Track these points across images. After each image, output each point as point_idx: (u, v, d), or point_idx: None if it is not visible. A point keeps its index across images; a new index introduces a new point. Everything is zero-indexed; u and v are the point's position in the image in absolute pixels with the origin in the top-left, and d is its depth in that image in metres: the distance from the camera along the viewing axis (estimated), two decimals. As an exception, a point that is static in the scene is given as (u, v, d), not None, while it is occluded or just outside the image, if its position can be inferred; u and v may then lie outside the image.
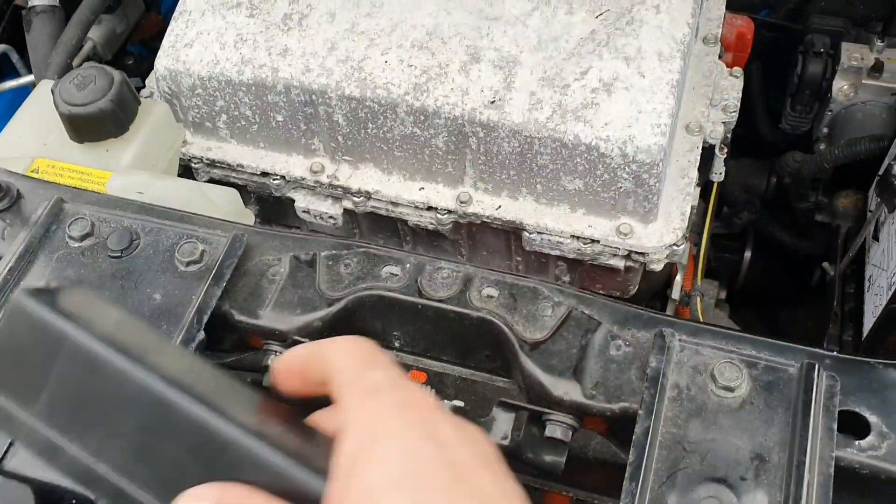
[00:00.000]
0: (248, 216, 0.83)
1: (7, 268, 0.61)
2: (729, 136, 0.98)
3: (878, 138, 1.10)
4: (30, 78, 1.04)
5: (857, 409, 0.53)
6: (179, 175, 0.92)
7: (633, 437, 0.51)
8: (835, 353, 0.56)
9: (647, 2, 0.88)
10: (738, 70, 1.00)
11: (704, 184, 1.01)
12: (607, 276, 0.94)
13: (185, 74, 0.91)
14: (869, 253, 1.00)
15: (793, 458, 0.50)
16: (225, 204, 0.77)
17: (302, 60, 0.88)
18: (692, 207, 0.90)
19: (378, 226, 1.00)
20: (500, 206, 0.91)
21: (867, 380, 0.55)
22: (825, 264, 1.10)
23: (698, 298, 1.00)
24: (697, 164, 0.91)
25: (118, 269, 0.60)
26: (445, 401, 0.60)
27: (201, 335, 0.56)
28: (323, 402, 0.37)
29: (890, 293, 0.89)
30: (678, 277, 0.97)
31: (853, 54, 1.17)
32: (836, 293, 1.04)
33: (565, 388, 0.58)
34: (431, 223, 0.93)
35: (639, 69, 0.84)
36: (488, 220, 0.91)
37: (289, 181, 0.94)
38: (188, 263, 0.59)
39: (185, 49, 0.91)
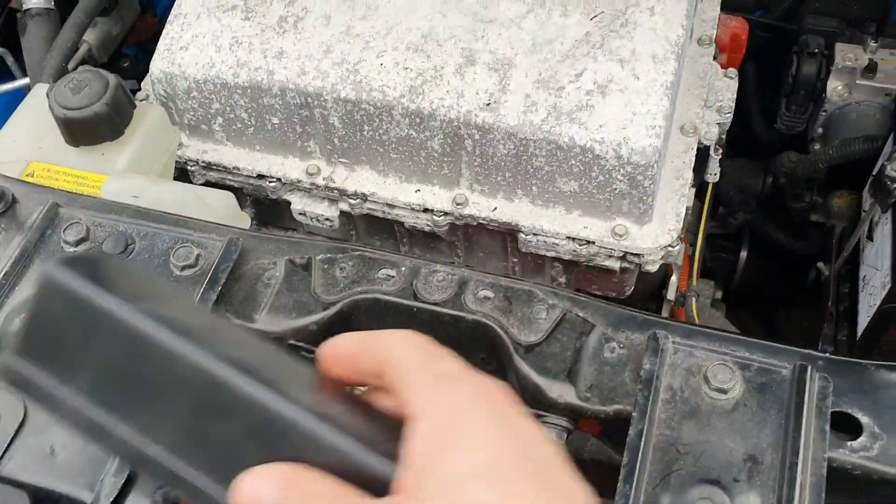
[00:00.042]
0: (244, 219, 0.83)
1: (2, 273, 0.61)
2: (724, 137, 0.98)
3: (872, 138, 1.11)
4: (25, 81, 1.04)
5: (849, 411, 0.54)
6: (175, 178, 0.92)
7: (627, 439, 0.52)
8: (827, 355, 0.57)
9: (642, 4, 0.88)
10: (732, 71, 1.00)
11: (700, 184, 1.01)
12: (603, 277, 0.94)
13: (181, 77, 0.91)
14: (863, 253, 1.01)
15: (785, 459, 0.50)
16: (221, 207, 0.77)
17: (297, 63, 0.89)
18: (687, 208, 0.90)
19: (375, 228, 1.00)
20: (495, 208, 0.91)
21: (859, 381, 0.55)
22: (820, 264, 1.10)
23: (694, 299, 1.00)
24: (692, 165, 0.91)
25: (114, 273, 0.60)
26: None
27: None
28: None
29: (884, 293, 0.90)
30: (673, 278, 0.98)
31: (847, 55, 1.17)
32: (831, 293, 1.05)
33: (560, 390, 0.58)
34: (427, 225, 0.93)
35: (633, 71, 0.84)
36: (484, 222, 0.91)
37: (285, 183, 0.94)
38: (183, 268, 0.59)
39: (181, 52, 0.91)
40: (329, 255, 0.61)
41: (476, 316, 0.60)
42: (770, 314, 1.30)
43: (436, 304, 0.61)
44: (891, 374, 0.55)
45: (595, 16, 0.88)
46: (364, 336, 0.37)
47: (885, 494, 0.52)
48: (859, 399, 0.54)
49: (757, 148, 1.33)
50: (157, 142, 0.86)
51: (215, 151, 0.94)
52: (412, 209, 0.92)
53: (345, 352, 0.37)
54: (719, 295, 1.22)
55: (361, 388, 0.39)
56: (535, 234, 0.90)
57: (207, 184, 0.96)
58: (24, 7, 1.06)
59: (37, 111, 0.84)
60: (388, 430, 0.34)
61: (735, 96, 0.98)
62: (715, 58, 1.02)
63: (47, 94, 0.79)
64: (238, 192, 0.93)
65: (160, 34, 0.93)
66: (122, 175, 0.76)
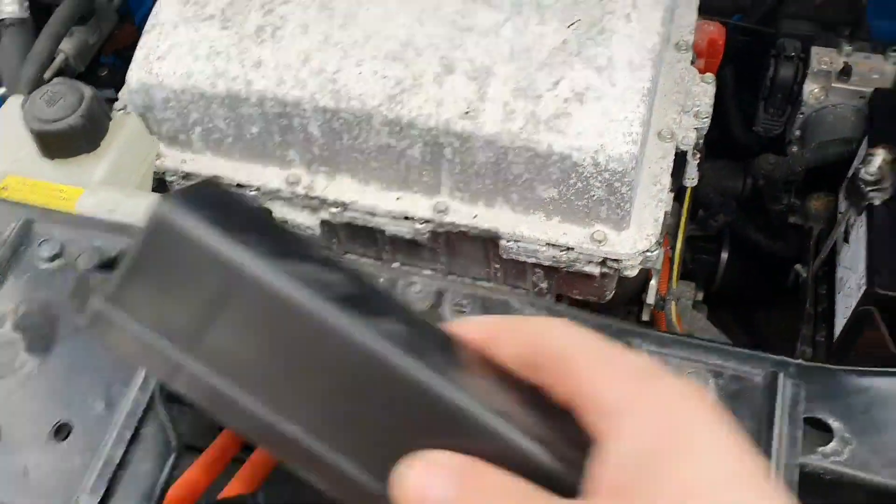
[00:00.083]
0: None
1: (-24, 289, 0.60)
2: (701, 141, 0.99)
3: (848, 141, 1.12)
4: (1, 91, 1.03)
5: (821, 416, 0.55)
6: (154, 188, 0.92)
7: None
8: (800, 361, 0.58)
9: (618, 11, 0.89)
10: (709, 76, 1.01)
11: (678, 188, 1.02)
12: (583, 282, 0.95)
13: (158, 87, 0.90)
14: (840, 255, 1.02)
15: (759, 466, 0.51)
16: (198, 219, 0.77)
17: (275, 72, 0.89)
18: (665, 213, 0.91)
19: (356, 236, 1.00)
20: (476, 215, 0.91)
21: (830, 386, 0.56)
22: (798, 266, 1.12)
23: (673, 303, 1.01)
24: (670, 170, 0.92)
25: (89, 290, 0.60)
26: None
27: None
28: None
29: (860, 295, 0.91)
30: (653, 282, 0.99)
31: (823, 58, 1.19)
32: (808, 294, 1.06)
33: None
34: (409, 233, 0.93)
35: (610, 79, 0.85)
36: (465, 229, 0.92)
37: (264, 193, 0.94)
38: (160, 283, 0.59)
39: (158, 62, 0.91)
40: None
41: (454, 326, 0.61)
42: (751, 315, 1.31)
43: (414, 315, 0.61)
44: (861, 379, 0.56)
45: (572, 24, 0.89)
46: (506, 319, 0.34)
47: (856, 498, 0.53)
48: (830, 404, 0.55)
49: (736, 150, 1.34)
50: (134, 153, 0.86)
51: (194, 161, 0.94)
52: (393, 217, 0.93)
53: (481, 335, 0.33)
54: (700, 297, 1.23)
55: None
56: (515, 241, 0.90)
57: (187, 194, 0.95)
58: (-1, 17, 1.05)
59: (12, 123, 0.83)
60: (559, 421, 0.30)
61: (712, 101, 0.99)
62: (693, 63, 1.03)
63: (21, 107, 0.79)
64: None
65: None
66: (98, 189, 0.75)
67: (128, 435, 0.55)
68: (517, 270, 0.98)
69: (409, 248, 0.99)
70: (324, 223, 0.96)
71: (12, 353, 0.59)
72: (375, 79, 0.87)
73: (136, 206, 0.71)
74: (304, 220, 0.95)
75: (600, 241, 0.88)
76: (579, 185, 0.85)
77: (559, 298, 0.98)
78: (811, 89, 1.20)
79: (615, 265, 0.89)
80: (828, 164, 1.14)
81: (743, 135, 1.34)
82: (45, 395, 0.58)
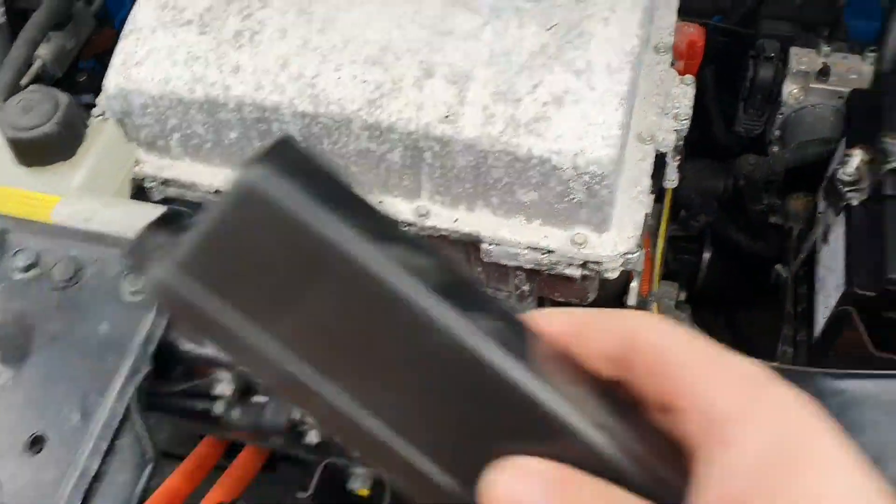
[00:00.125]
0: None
1: (-51, 300, 0.60)
2: (681, 143, 0.99)
3: (827, 141, 1.13)
4: (-23, 98, 1.02)
5: (796, 419, 0.55)
6: (133, 195, 0.91)
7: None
8: (776, 363, 0.58)
9: (596, 15, 0.89)
10: (689, 78, 1.02)
11: (659, 190, 1.03)
12: (565, 284, 0.95)
13: (136, 93, 0.90)
14: (819, 255, 1.03)
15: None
16: (176, 227, 0.76)
17: (254, 77, 0.88)
18: (646, 215, 0.92)
19: (337, 240, 1.00)
20: (457, 219, 0.91)
21: (806, 389, 0.56)
22: (778, 266, 1.12)
23: (655, 304, 1.01)
24: (650, 172, 0.93)
25: (64, 300, 0.60)
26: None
27: (149, 366, 0.56)
28: None
29: (838, 295, 0.92)
30: (634, 284, 0.99)
31: (801, 59, 1.20)
32: (789, 294, 1.07)
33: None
34: (390, 237, 0.93)
35: (589, 82, 0.85)
36: (446, 233, 0.92)
37: (245, 199, 0.94)
38: (134, 292, 0.59)
39: (136, 67, 0.90)
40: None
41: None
42: (734, 315, 1.32)
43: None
44: (837, 382, 0.57)
45: (551, 27, 0.89)
46: (595, 312, 0.32)
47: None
48: (805, 407, 0.55)
49: (717, 150, 1.35)
50: (112, 159, 0.85)
51: (173, 167, 0.94)
52: (374, 221, 0.92)
53: (568, 328, 0.31)
54: (683, 297, 1.24)
55: None
56: (496, 245, 0.90)
57: (166, 200, 0.95)
58: (-25, 22, 1.04)
59: (-12, 130, 0.82)
60: (652, 427, 0.28)
61: (692, 103, 0.99)
62: (672, 65, 1.03)
63: (-3, 114, 0.78)
64: (198, 208, 0.92)
65: (116, 48, 0.92)
66: (74, 197, 0.75)
67: (104, 446, 0.55)
68: (499, 274, 0.98)
69: (391, 252, 0.99)
70: (305, 228, 0.96)
71: (-14, 364, 0.59)
72: (355, 83, 0.87)
73: (113, 216, 0.70)
74: (285, 226, 0.95)
75: (581, 244, 0.88)
76: (559, 188, 0.85)
77: (541, 301, 0.99)
78: (790, 90, 1.21)
79: (596, 268, 0.89)
80: (807, 165, 1.15)
81: (724, 135, 1.35)
82: (20, 407, 0.58)
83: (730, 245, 1.28)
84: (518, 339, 0.29)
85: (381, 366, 0.28)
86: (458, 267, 0.29)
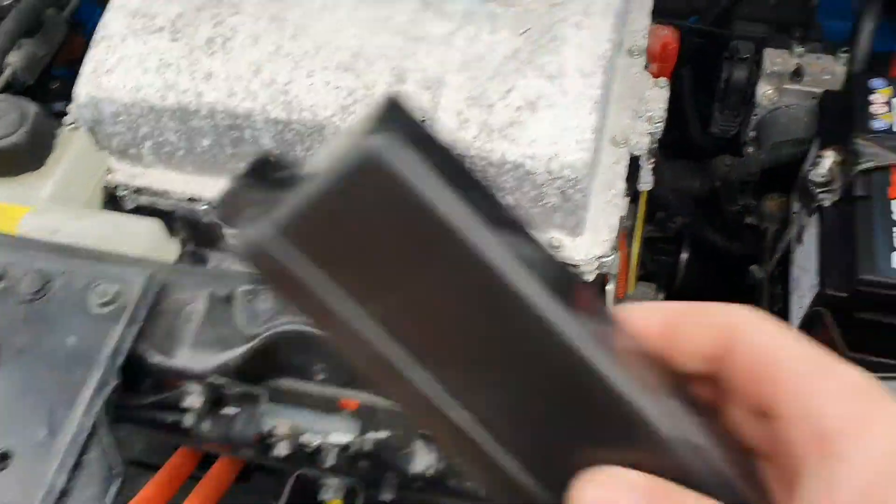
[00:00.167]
0: (170, 248, 0.81)
1: (-87, 315, 0.59)
2: (655, 146, 1.00)
3: (801, 142, 1.14)
4: (-54, 106, 1.01)
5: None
6: (105, 203, 0.91)
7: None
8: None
9: (569, 19, 0.89)
10: (663, 80, 1.02)
11: (634, 193, 1.03)
12: (541, 288, 0.95)
13: (108, 101, 0.89)
14: (793, 255, 1.04)
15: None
16: (145, 237, 0.76)
17: (226, 84, 0.88)
18: (621, 218, 0.92)
19: (314, 246, 1.00)
20: (432, 224, 0.91)
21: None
22: (754, 267, 1.13)
23: (631, 307, 1.01)
24: (624, 175, 0.93)
25: (31, 313, 0.59)
26: (371, 432, 0.60)
27: (117, 379, 0.55)
28: None
29: (812, 295, 0.92)
30: (609, 286, 0.99)
31: (775, 59, 1.20)
32: (764, 295, 1.08)
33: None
34: (366, 243, 0.93)
35: (561, 86, 0.85)
36: (422, 238, 0.92)
37: (216, 206, 0.93)
38: (102, 305, 0.58)
39: (107, 75, 0.90)
40: (252, 286, 0.61)
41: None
42: (711, 315, 1.33)
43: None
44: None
45: (523, 32, 0.89)
46: (689, 306, 0.30)
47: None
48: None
49: (694, 151, 1.36)
50: (83, 168, 0.84)
51: (145, 175, 0.93)
52: (349, 228, 0.92)
53: (661, 324, 0.30)
54: (661, 298, 1.24)
55: None
56: (472, 249, 0.90)
57: (138, 208, 0.94)
58: (-56, 30, 1.02)
59: (-45, 140, 0.81)
60: (727, 435, 0.28)
61: (666, 105, 1.00)
62: (646, 67, 1.03)
63: (-37, 125, 0.77)
64: (170, 216, 0.92)
65: (87, 56, 0.91)
66: (42, 208, 0.74)
67: (71, 461, 0.54)
68: (476, 278, 0.98)
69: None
70: (280, 235, 0.95)
71: (-49, 380, 0.58)
72: (327, 89, 0.86)
73: (82, 227, 0.69)
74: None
75: (556, 248, 0.88)
76: (533, 192, 0.85)
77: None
78: (764, 90, 1.21)
79: (571, 271, 0.90)
80: (782, 165, 1.16)
81: (700, 136, 1.35)
82: (-14, 423, 0.57)
83: (706, 246, 1.29)
84: (622, 343, 0.28)
85: (481, 359, 0.26)
86: (556, 257, 0.28)
